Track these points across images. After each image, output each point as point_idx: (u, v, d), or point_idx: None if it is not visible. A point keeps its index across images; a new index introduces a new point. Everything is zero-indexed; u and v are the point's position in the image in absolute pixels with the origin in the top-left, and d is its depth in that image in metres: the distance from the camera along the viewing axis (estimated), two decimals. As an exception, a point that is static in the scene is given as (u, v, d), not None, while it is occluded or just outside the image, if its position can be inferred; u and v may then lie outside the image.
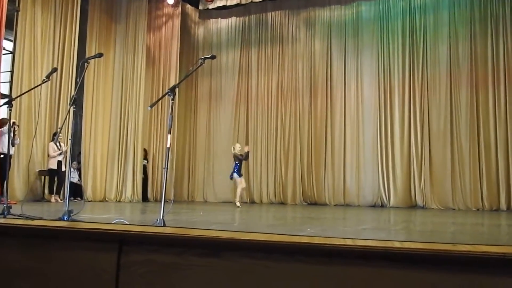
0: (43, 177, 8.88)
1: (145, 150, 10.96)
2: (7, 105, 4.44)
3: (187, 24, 12.58)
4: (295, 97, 11.47)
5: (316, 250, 1.33)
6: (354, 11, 11.18)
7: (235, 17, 12.48)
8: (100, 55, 4.24)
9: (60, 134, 8.22)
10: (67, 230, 1.83)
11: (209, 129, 12.34)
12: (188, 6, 12.52)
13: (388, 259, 1.27)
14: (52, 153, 8.55)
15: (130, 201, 10.13)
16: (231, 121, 12.09)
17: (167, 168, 3.46)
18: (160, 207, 3.32)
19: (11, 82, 8.52)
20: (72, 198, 8.53)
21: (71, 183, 7.83)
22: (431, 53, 10.24)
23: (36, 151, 8.67)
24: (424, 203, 9.84)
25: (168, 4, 11.61)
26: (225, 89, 12.32)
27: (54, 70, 4.49)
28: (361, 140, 10.69)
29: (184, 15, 12.23)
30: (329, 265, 1.31)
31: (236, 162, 8.59)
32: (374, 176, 10.42)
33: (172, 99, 3.46)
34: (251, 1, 11.51)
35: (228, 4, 11.61)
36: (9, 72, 8.64)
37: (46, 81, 4.30)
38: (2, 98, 7.56)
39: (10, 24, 8.36)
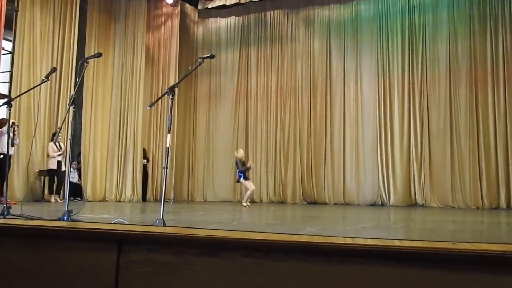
0: (42, 177, 8.88)
1: (144, 150, 10.96)
2: (6, 105, 4.43)
3: (186, 23, 12.57)
4: (294, 96, 11.47)
5: (315, 249, 1.34)
6: (353, 10, 11.18)
7: (234, 17, 12.47)
8: (99, 54, 4.24)
9: (60, 134, 8.22)
10: (67, 230, 1.83)
11: (209, 128, 12.34)
12: (187, 5, 12.51)
13: (388, 258, 1.27)
14: (51, 153, 8.55)
15: (130, 201, 10.13)
16: (231, 120, 12.09)
17: (167, 168, 3.45)
18: (159, 207, 3.32)
19: (10, 82, 8.52)
20: (72, 198, 8.53)
21: (71, 183, 7.84)
22: (430, 52, 10.24)
23: (36, 151, 8.67)
24: (423, 201, 9.85)
25: (167, 3, 11.60)
26: (225, 89, 12.32)
27: (53, 70, 4.48)
28: (361, 139, 10.70)
29: (183, 15, 12.22)
30: (328, 264, 1.31)
31: (239, 167, 8.53)
32: (373, 175, 10.42)
33: (172, 99, 3.46)
34: (250, 1, 11.51)
35: (227, 4, 11.60)
36: (8, 72, 8.63)
37: (46, 81, 4.30)
38: (1, 98, 7.56)
39: (9, 24, 8.35)
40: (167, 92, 3.47)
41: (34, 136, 8.22)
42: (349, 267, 1.29)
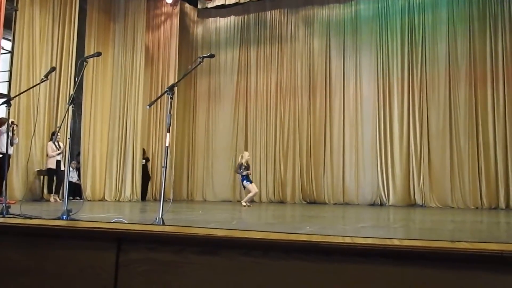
0: (42, 176, 8.87)
1: (143, 150, 10.95)
2: (5, 105, 4.43)
3: (185, 23, 12.56)
4: (294, 96, 11.47)
5: (314, 248, 1.34)
6: (353, 9, 11.18)
7: (233, 16, 12.47)
8: (98, 54, 4.23)
9: (59, 134, 8.21)
10: (66, 229, 1.83)
11: (208, 128, 12.34)
12: (187, 5, 12.50)
13: (387, 257, 1.27)
14: (50, 153, 8.55)
15: (129, 200, 10.12)
16: (230, 120, 12.09)
17: (166, 167, 3.45)
18: (159, 206, 3.32)
19: (9, 81, 8.51)
20: (71, 198, 8.53)
21: (70, 183, 7.84)
22: (430, 52, 10.25)
23: (35, 151, 8.66)
24: (423, 201, 9.86)
25: (167, 3, 11.60)
26: (224, 88, 12.32)
27: (53, 69, 4.48)
28: (360, 138, 10.70)
29: (182, 14, 12.21)
30: (327, 263, 1.31)
31: (242, 171, 8.49)
32: (373, 175, 10.43)
33: (171, 98, 3.46)
34: (250, 0, 11.50)
35: (226, 3, 11.59)
36: (7, 72, 8.62)
37: (45, 80, 4.29)
38: (0, 98, 7.55)
39: (9, 24, 8.34)
40: (166, 91, 3.47)
41: (33, 135, 8.21)
42: (348, 266, 1.30)
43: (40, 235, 1.77)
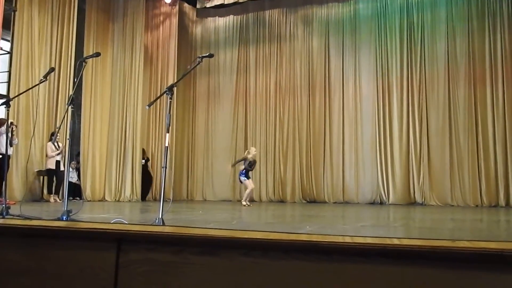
0: (41, 177, 8.87)
1: (143, 150, 10.94)
2: (5, 105, 4.43)
3: (184, 23, 12.56)
4: (293, 95, 11.47)
5: (314, 248, 1.34)
6: (352, 8, 11.18)
7: (232, 16, 12.46)
8: (97, 54, 4.23)
9: (58, 134, 8.21)
10: (66, 229, 1.83)
11: (208, 128, 12.34)
12: (186, 4, 12.50)
13: (387, 256, 1.27)
14: (50, 153, 8.54)
15: (129, 200, 10.12)
16: (230, 119, 12.09)
17: (166, 167, 3.45)
18: (159, 207, 3.32)
19: (8, 82, 8.50)
20: (71, 198, 8.52)
21: (70, 183, 7.83)
22: (429, 50, 10.26)
23: (35, 151, 8.66)
24: (423, 200, 9.87)
25: (166, 3, 11.59)
26: (224, 88, 12.31)
27: (52, 70, 4.47)
28: (360, 137, 10.70)
29: (181, 14, 12.21)
30: (327, 262, 1.31)
31: (246, 165, 8.54)
32: (373, 174, 10.44)
33: (170, 98, 3.46)
34: (249, 0, 11.50)
35: (225, 3, 11.59)
36: (6, 72, 8.62)
37: (44, 81, 4.29)
38: (0, 99, 7.54)
39: (7, 24, 8.33)
40: (165, 91, 3.47)
41: (33, 136, 8.21)
42: (348, 265, 1.29)
43: (40, 235, 1.77)
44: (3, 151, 6.31)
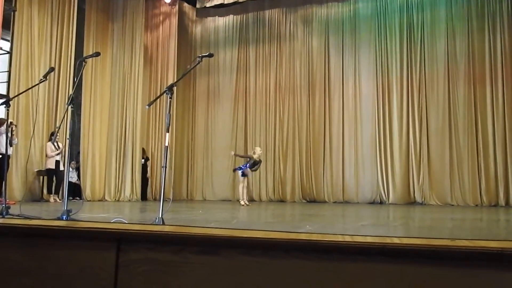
0: (41, 177, 8.86)
1: (143, 149, 10.94)
2: (4, 105, 4.42)
3: (184, 22, 12.55)
4: (293, 95, 11.47)
5: (314, 247, 1.34)
6: (351, 8, 11.18)
7: (232, 15, 12.46)
8: (97, 54, 4.22)
9: (58, 134, 8.20)
10: (66, 229, 1.83)
11: (208, 127, 12.34)
12: (185, 4, 12.49)
13: (387, 255, 1.27)
14: (50, 153, 8.54)
15: (129, 200, 10.12)
16: (230, 119, 12.09)
17: (166, 167, 3.45)
18: (159, 206, 3.32)
19: (8, 82, 8.49)
20: (71, 198, 8.52)
21: (70, 183, 7.81)
22: (428, 50, 10.26)
23: (35, 151, 8.65)
24: (423, 199, 9.87)
25: (165, 2, 11.58)
26: (223, 88, 12.31)
27: (51, 69, 4.47)
28: (360, 137, 10.70)
29: (181, 14, 12.20)
30: (327, 261, 1.31)
31: (247, 164, 8.54)
32: (372, 173, 10.44)
33: (170, 98, 3.46)
34: (248, -1, 11.51)
35: (225, 2, 11.58)
36: (6, 72, 8.61)
37: (44, 80, 4.28)
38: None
39: (7, 24, 8.32)
40: (165, 91, 3.46)
41: (32, 135, 8.20)
42: (348, 264, 1.30)
43: (40, 235, 1.77)
44: (3, 151, 6.31)
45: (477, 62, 9.77)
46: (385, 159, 10.34)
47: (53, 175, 8.58)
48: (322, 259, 1.32)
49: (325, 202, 10.62)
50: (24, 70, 8.52)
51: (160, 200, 3.33)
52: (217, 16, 12.64)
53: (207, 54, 3.89)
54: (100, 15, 10.32)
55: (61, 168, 8.50)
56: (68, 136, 4.00)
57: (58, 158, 8.58)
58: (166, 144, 3.52)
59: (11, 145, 6.96)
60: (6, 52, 8.66)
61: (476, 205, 9.28)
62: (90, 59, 4.73)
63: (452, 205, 9.47)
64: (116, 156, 10.25)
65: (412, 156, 10.11)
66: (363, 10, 11.05)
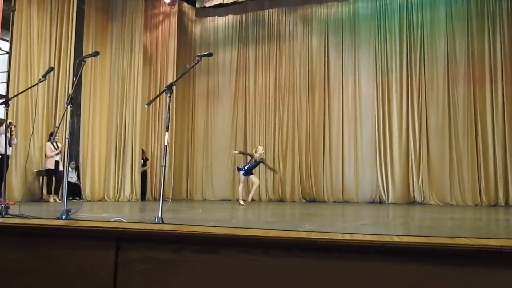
0: (41, 177, 8.86)
1: (142, 150, 10.91)
2: (3, 105, 4.42)
3: (184, 22, 12.55)
4: (292, 94, 11.47)
5: (313, 245, 1.34)
6: (351, 7, 11.18)
7: (232, 15, 12.46)
8: (96, 53, 4.22)
9: (57, 134, 8.20)
10: (65, 228, 1.83)
11: (207, 127, 12.34)
12: (185, 4, 12.49)
13: (386, 254, 1.27)
14: (49, 153, 8.53)
15: (129, 200, 10.11)
16: (229, 119, 12.09)
17: (165, 166, 3.45)
18: (158, 206, 3.32)
19: (7, 82, 8.48)
20: (70, 198, 8.52)
21: (70, 183, 7.82)
22: (428, 50, 10.26)
23: (34, 151, 8.65)
24: (422, 199, 9.87)
25: (165, 2, 11.58)
26: (223, 87, 12.31)
27: (51, 69, 4.46)
28: (359, 136, 10.71)
29: (180, 13, 12.20)
30: (327, 259, 1.31)
31: (251, 163, 8.50)
32: (372, 173, 10.44)
33: (169, 97, 3.45)
34: (248, -1, 11.51)
35: (225, 2, 11.57)
36: (5, 73, 8.60)
37: (43, 80, 4.28)
38: (-1, 98, 7.53)
39: (6, 24, 8.31)
40: (164, 90, 3.46)
41: (32, 135, 8.20)
42: (347, 262, 1.29)
43: (39, 235, 1.76)
44: (2, 151, 6.30)
45: (477, 62, 9.77)
46: (385, 158, 10.34)
47: (52, 175, 8.57)
48: (322, 257, 1.31)
49: (324, 201, 10.62)
50: (23, 70, 8.51)
51: (159, 200, 3.33)
52: (216, 16, 12.64)
53: (206, 53, 3.89)
54: (100, 15, 10.32)
55: (61, 168, 8.49)
56: (67, 136, 3.99)
57: (57, 158, 8.58)
58: (166, 144, 3.52)
59: (10, 145, 6.95)
60: (5, 52, 8.66)
61: (476, 205, 9.28)
62: (90, 59, 4.73)
63: (452, 204, 9.48)
64: (115, 156, 10.24)
65: (412, 156, 10.11)
66: (363, 9, 11.05)
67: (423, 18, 10.39)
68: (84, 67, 4.05)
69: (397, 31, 10.57)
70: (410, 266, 1.26)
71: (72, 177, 9.17)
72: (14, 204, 5.98)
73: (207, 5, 11.93)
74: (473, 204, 9.35)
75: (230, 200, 11.50)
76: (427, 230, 4.09)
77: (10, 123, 6.14)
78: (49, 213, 5.37)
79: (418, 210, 7.55)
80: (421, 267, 1.25)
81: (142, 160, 10.87)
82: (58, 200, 8.43)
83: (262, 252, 1.38)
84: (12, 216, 3.76)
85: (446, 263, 1.24)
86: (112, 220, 3.10)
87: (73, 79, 8.93)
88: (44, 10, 9.02)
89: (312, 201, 10.81)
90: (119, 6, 10.66)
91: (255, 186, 8.65)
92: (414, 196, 10.01)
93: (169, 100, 3.45)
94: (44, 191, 8.80)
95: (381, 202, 10.17)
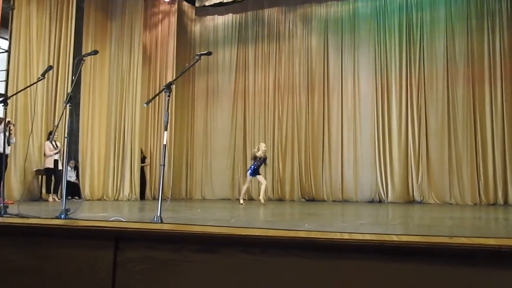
0: (40, 176, 8.84)
1: (141, 150, 10.89)
2: (2, 104, 4.41)
3: (183, 21, 12.53)
4: (292, 94, 11.47)
5: (312, 245, 1.33)
6: (351, 7, 11.18)
7: (231, 14, 12.45)
8: (95, 52, 4.21)
9: (56, 133, 8.18)
10: (64, 228, 1.82)
11: (207, 126, 12.33)
12: (185, 3, 12.48)
13: (385, 253, 1.27)
14: (48, 152, 8.52)
15: (128, 199, 10.10)
16: (229, 118, 12.09)
17: (164, 165, 3.45)
18: (157, 205, 3.32)
19: (6, 80, 8.47)
20: (69, 197, 8.52)
21: (69, 182, 7.81)
22: (428, 49, 10.26)
23: (33, 150, 8.63)
24: (421, 198, 9.88)
25: (164, 1, 11.56)
26: (222, 86, 12.30)
27: (50, 68, 4.45)
28: (359, 136, 10.71)
29: (180, 12, 12.18)
30: (326, 259, 1.31)
31: (256, 162, 8.42)
32: (371, 172, 10.45)
33: (168, 96, 3.45)
34: (247, -2, 11.50)
35: (224, 1, 11.56)
36: (4, 71, 8.59)
37: (42, 79, 4.27)
38: (-2, 97, 7.52)
39: (5, 23, 8.30)
40: (163, 89, 3.46)
41: (31, 134, 8.18)
42: (346, 262, 1.29)
43: (38, 234, 1.76)
44: (1, 150, 6.28)
45: (476, 62, 9.78)
46: (384, 158, 10.35)
47: (51, 175, 8.56)
48: (321, 257, 1.31)
49: (324, 201, 10.63)
50: (22, 68, 8.49)
51: (158, 199, 3.33)
52: (216, 15, 12.63)
53: (205, 52, 3.88)
54: (99, 14, 10.30)
55: (60, 167, 8.47)
56: (66, 135, 3.99)
57: (56, 157, 8.56)
58: (164, 143, 3.52)
59: (9, 144, 6.94)
60: (4, 50, 8.64)
61: (475, 204, 9.29)
62: (89, 57, 4.72)
63: (451, 204, 9.49)
64: (114, 155, 10.23)
65: (411, 155, 10.12)
66: (363, 9, 11.05)
67: (422, 17, 10.39)
68: (83, 66, 4.04)
69: (396, 31, 10.57)
70: (409, 266, 1.26)
71: (71, 176, 9.16)
72: (13, 203, 5.97)
73: (207, 4, 11.92)
74: (472, 203, 9.36)
75: (229, 199, 11.51)
76: (426, 229, 4.09)
77: (8, 121, 6.13)
78: (48, 212, 5.37)
79: (417, 209, 7.56)
80: (420, 267, 1.25)
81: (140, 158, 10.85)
82: (57, 199, 8.42)
83: (262, 252, 1.38)
84: (11, 215, 3.76)
85: (445, 262, 1.24)
86: (111, 220, 3.10)
87: (72, 78, 8.93)
88: (44, 8, 9.00)
89: (312, 200, 10.82)
90: (119, 5, 10.64)
91: (263, 186, 8.58)
92: (413, 195, 10.02)
93: (168, 99, 3.44)
94: (43, 190, 8.78)
95: (380, 202, 10.17)
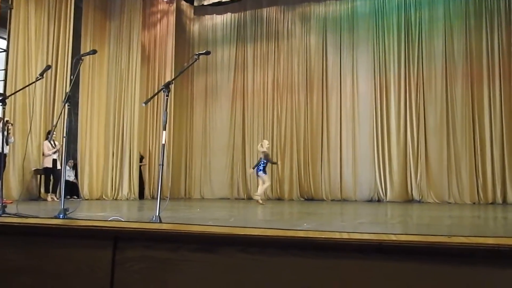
0: (39, 175, 8.83)
1: (140, 154, 10.87)
2: (1, 104, 4.40)
3: (182, 20, 12.52)
4: (291, 93, 11.47)
5: (311, 244, 1.33)
6: (349, 6, 11.18)
7: (230, 13, 12.44)
8: (94, 52, 4.20)
9: (54, 132, 8.17)
10: (62, 227, 1.82)
11: (206, 125, 12.33)
12: (183, 2, 12.46)
13: (384, 252, 1.27)
14: (46, 152, 8.50)
15: (127, 199, 10.10)
16: (228, 117, 12.09)
17: (163, 165, 3.44)
18: (156, 204, 3.31)
19: (5, 80, 8.45)
20: (68, 197, 8.51)
21: (67, 182, 7.80)
22: (426, 48, 10.27)
23: (32, 150, 8.62)
24: (420, 197, 9.89)
25: (163, 0, 11.55)
26: (221, 86, 12.30)
27: (48, 67, 4.44)
28: (357, 135, 10.72)
29: (179, 12, 12.17)
30: (325, 258, 1.31)
31: (264, 160, 8.35)
32: (370, 171, 10.46)
33: (167, 95, 3.45)
34: (246, -3, 11.49)
35: (223, 0, 11.56)
36: (3, 71, 8.57)
37: (40, 78, 4.26)
38: (-4, 97, 7.49)
39: (4, 22, 8.28)
40: (162, 88, 3.45)
41: (29, 134, 8.17)
42: (345, 261, 1.29)
43: (37, 234, 1.76)
44: None
45: (475, 60, 9.79)
46: (383, 157, 10.36)
47: (50, 174, 8.55)
48: (319, 256, 1.31)
49: (323, 200, 10.63)
50: (21, 68, 8.47)
51: (157, 199, 3.33)
52: (214, 14, 12.62)
53: (204, 51, 3.88)
54: (98, 13, 10.28)
55: (58, 166, 8.46)
56: (64, 135, 3.98)
57: (55, 156, 8.55)
58: (163, 142, 3.51)
59: (7, 144, 6.93)
60: (2, 50, 8.62)
61: (474, 203, 9.31)
62: (88, 57, 4.72)
63: (450, 203, 9.50)
64: (113, 155, 10.22)
65: (410, 154, 10.13)
66: (361, 8, 11.05)
67: (421, 16, 10.40)
68: (81, 65, 4.03)
69: (395, 30, 10.57)
70: (408, 265, 1.26)
71: (69, 175, 9.14)
72: (11, 203, 5.96)
73: (205, 3, 11.92)
74: (471, 202, 9.37)
75: (228, 198, 11.51)
76: (425, 228, 4.10)
77: (7, 121, 6.12)
78: (47, 212, 5.36)
79: (416, 208, 7.57)
80: (419, 266, 1.25)
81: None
82: (56, 199, 8.41)
83: (260, 251, 1.38)
84: (10, 215, 3.75)
85: (444, 261, 1.24)
86: (109, 219, 3.10)
87: (70, 77, 8.91)
88: (42, 8, 8.98)
89: (310, 199, 10.83)
90: (117, 4, 10.62)
91: (265, 186, 8.53)
92: (412, 194, 10.04)
93: (167, 99, 3.44)
94: (42, 189, 8.77)
95: (379, 201, 10.18)
